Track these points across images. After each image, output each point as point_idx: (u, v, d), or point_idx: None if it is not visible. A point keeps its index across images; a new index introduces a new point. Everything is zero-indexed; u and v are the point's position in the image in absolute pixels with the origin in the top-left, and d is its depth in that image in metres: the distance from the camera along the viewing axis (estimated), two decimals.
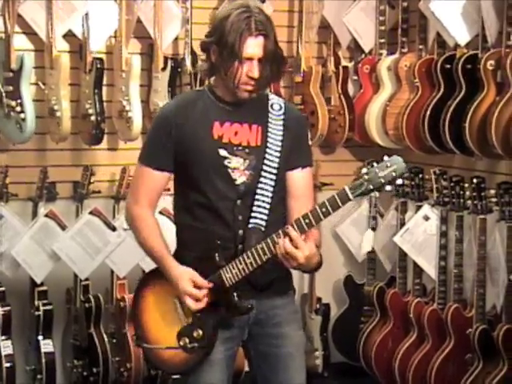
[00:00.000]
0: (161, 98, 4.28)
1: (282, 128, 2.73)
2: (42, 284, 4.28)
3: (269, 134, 2.72)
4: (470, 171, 4.19)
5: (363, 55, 4.72)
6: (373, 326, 4.56)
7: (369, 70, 4.63)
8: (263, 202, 2.70)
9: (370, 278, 4.69)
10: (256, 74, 2.61)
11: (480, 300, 3.90)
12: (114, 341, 4.37)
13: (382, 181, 2.47)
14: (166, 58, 4.34)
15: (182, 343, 2.72)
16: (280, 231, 2.58)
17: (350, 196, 2.49)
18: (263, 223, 2.69)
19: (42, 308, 4.26)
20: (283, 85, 4.70)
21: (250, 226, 2.69)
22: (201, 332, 2.70)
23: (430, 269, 4.25)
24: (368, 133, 4.60)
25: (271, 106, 2.76)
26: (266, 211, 2.70)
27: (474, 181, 3.92)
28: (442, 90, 4.12)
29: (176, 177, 2.81)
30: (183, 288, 2.67)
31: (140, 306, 2.85)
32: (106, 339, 4.36)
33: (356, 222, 4.79)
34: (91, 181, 4.32)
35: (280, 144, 2.72)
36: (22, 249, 4.19)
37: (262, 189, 2.70)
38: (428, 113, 4.14)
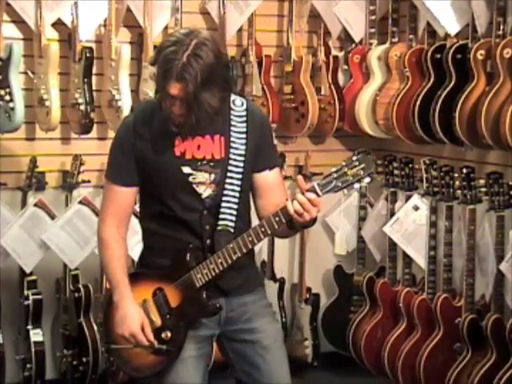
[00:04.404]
0: (150, 88, 4.26)
1: (244, 131, 2.72)
2: (31, 273, 4.27)
3: (231, 144, 2.70)
4: (459, 161, 4.19)
5: (353, 45, 4.71)
6: (362, 316, 4.57)
7: (359, 59, 4.63)
8: (230, 208, 2.71)
9: (360, 267, 4.69)
10: (177, 111, 2.58)
11: (469, 290, 3.92)
12: None
13: (350, 179, 2.52)
14: (155, 47, 4.32)
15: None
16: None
17: (320, 193, 2.54)
18: (231, 230, 2.70)
19: (31, 297, 4.26)
20: (273, 74, 4.69)
21: (218, 228, 2.69)
22: (169, 334, 2.72)
23: (420, 258, 4.26)
24: (358, 122, 4.59)
25: (233, 101, 2.73)
26: (233, 217, 2.71)
27: (464, 171, 3.93)
28: (432, 79, 4.11)
29: (140, 187, 2.79)
30: (131, 327, 2.69)
31: (111, 310, 2.82)
32: (95, 329, 4.34)
33: (346, 211, 4.78)
34: (80, 170, 4.30)
35: (244, 150, 2.71)
36: (11, 238, 4.18)
37: (228, 195, 2.70)
38: (418, 103, 4.14)
